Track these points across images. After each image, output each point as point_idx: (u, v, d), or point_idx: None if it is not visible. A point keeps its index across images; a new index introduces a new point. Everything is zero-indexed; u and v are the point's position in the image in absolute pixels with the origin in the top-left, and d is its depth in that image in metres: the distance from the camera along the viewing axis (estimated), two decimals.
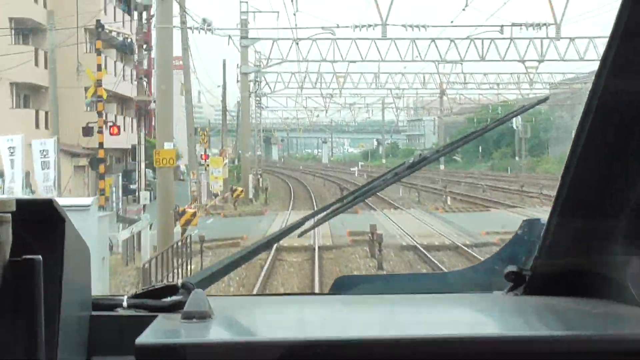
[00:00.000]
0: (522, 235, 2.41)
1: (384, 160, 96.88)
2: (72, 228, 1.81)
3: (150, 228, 22.22)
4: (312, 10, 45.96)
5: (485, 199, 46.06)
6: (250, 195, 48.27)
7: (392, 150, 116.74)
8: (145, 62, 35.06)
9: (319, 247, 26.41)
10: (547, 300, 2.15)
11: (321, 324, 2.11)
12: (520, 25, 43.27)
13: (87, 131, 29.57)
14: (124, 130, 56.23)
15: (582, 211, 2.09)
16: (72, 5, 45.34)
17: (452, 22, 43.40)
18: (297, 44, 46.85)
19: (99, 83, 28.30)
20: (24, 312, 1.65)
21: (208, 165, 44.06)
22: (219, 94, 64.23)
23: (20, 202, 1.64)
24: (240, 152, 59.41)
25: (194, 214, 24.37)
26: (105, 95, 28.86)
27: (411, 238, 28.38)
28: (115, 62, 53.17)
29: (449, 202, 44.36)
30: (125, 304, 2.04)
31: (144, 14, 33.20)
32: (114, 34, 36.97)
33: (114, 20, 48.60)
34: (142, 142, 26.57)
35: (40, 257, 1.65)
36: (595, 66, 2.17)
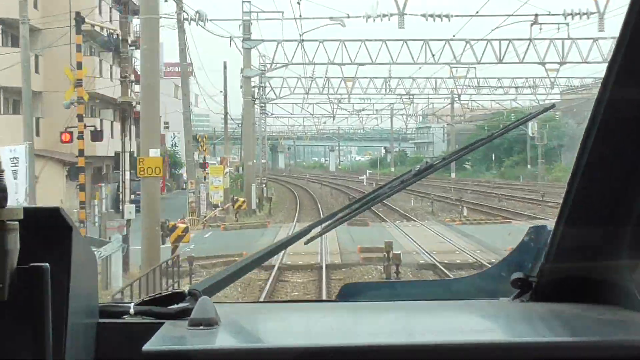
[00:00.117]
0: (529, 241, 2.39)
1: (392, 169, 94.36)
2: (79, 236, 1.84)
3: (124, 251, 19.53)
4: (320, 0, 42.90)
5: (502, 209, 43.43)
6: (254, 206, 45.46)
7: (400, 158, 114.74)
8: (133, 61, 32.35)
9: (326, 266, 23.73)
10: (554, 307, 2.17)
11: (328, 331, 2.10)
12: (559, 15, 39.87)
13: (66, 136, 26.69)
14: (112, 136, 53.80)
15: (588, 218, 2.11)
16: (65, 5, 42.71)
17: (477, 12, 40.06)
18: (303, 44, 44.09)
19: (78, 83, 25.52)
20: (32, 320, 1.68)
21: (207, 174, 41.18)
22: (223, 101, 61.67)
23: (27, 210, 1.65)
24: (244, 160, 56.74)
25: (185, 230, 21.65)
26: (86, 97, 26.17)
27: (429, 255, 25.59)
28: (111, 66, 50.65)
29: (465, 213, 41.56)
30: (132, 311, 2.05)
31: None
32: (97, 28, 34.17)
33: (110, 21, 46.07)
34: (127, 148, 23.69)
35: (47, 264, 1.68)
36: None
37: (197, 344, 1.84)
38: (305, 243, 2.47)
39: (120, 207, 25.55)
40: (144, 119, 18.57)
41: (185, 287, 2.30)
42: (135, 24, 33.72)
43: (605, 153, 2.01)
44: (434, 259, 24.70)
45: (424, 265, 23.84)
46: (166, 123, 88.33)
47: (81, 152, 25.15)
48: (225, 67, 49.26)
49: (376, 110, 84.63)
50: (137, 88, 68.40)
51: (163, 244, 21.73)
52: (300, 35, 44.68)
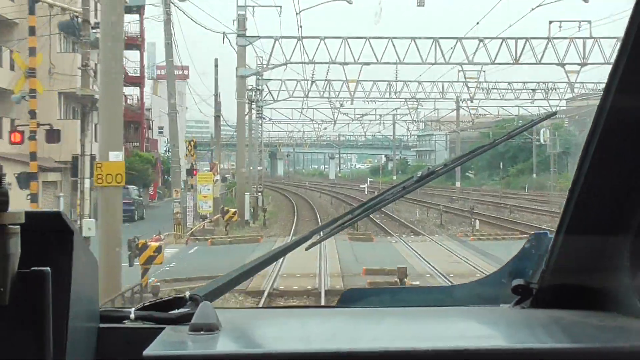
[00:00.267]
0: (530, 248, 2.41)
1: (394, 177, 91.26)
2: (80, 240, 1.84)
3: None
4: None
5: (516, 222, 39.95)
6: (247, 217, 41.79)
7: (401, 166, 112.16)
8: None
9: (326, 292, 20.18)
10: (554, 313, 2.20)
11: (329, 336, 2.11)
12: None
13: (16, 137, 22.99)
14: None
15: (589, 226, 2.14)
16: None
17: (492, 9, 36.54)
18: (302, 42, 40.53)
19: (30, 72, 21.88)
20: (33, 324, 1.69)
21: (190, 183, 37.33)
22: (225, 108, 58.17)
23: (29, 214, 1.67)
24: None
25: (158, 249, 18.05)
26: (41, 90, 22.52)
27: (446, 279, 21.99)
28: (95, 64, 47.21)
29: (477, 227, 38.00)
30: (132, 315, 2.06)
31: None
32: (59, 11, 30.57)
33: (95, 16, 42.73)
34: (86, 151, 20.02)
35: (48, 269, 1.69)
36: None
37: (197, 349, 1.83)
38: (307, 249, 2.49)
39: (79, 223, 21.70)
40: (103, 114, 15.00)
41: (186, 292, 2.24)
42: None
43: (607, 161, 2.02)
44: (453, 284, 21.02)
45: None
46: (161, 128, 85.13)
47: (33, 156, 21.49)
48: (216, 65, 45.68)
49: (379, 115, 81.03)
50: (127, 90, 64.88)
51: (131, 265, 18.24)
52: (299, 26, 41.14)
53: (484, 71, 52.29)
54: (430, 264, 24.55)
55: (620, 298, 2.11)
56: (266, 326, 2.16)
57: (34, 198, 21.66)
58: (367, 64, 43.83)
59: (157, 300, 2.10)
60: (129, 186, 50.68)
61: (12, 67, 40.40)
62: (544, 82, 58.17)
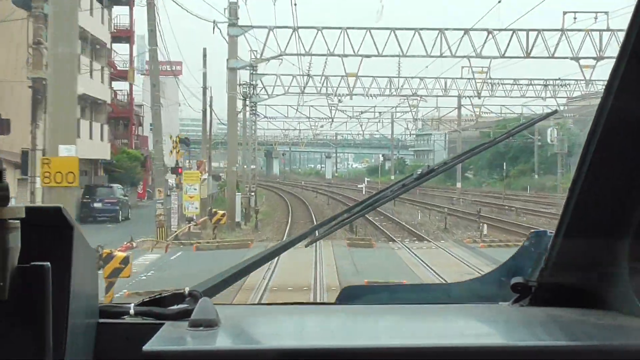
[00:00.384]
0: (529, 246, 2.39)
1: (392, 177, 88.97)
2: (80, 235, 1.83)
3: None
4: None
5: (524, 226, 37.37)
6: (239, 218, 39.05)
7: (399, 166, 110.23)
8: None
9: None
10: (553, 311, 2.17)
11: (328, 333, 2.12)
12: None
13: None
14: (91, 137, 47.71)
15: (588, 225, 2.12)
16: None
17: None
18: (298, 32, 37.79)
19: None
20: (33, 319, 1.68)
21: (173, 182, 34.50)
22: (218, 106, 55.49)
23: (29, 209, 1.65)
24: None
25: (125, 260, 15.38)
26: None
27: None
28: (91, 61, 44.84)
29: (485, 231, 35.37)
30: (132, 311, 2.06)
31: None
32: None
33: (90, 12, 40.36)
34: (36, 147, 17.32)
35: (48, 264, 1.68)
36: None
37: (197, 344, 1.83)
38: (306, 246, 2.53)
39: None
40: (52, 102, 12.33)
41: (185, 288, 2.22)
42: None
43: (607, 161, 2.01)
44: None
45: None
46: (152, 124, 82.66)
47: None
48: (205, 55, 42.91)
49: (378, 112, 78.35)
50: (118, 85, 62.09)
51: None
52: (294, 29, 38.44)
53: (489, 68, 49.75)
54: (439, 275, 21.93)
55: (618, 297, 2.10)
56: (266, 322, 2.16)
57: None
58: (368, 56, 41.07)
59: (157, 296, 2.08)
60: (113, 185, 48.03)
61: None
62: (553, 80, 55.51)
